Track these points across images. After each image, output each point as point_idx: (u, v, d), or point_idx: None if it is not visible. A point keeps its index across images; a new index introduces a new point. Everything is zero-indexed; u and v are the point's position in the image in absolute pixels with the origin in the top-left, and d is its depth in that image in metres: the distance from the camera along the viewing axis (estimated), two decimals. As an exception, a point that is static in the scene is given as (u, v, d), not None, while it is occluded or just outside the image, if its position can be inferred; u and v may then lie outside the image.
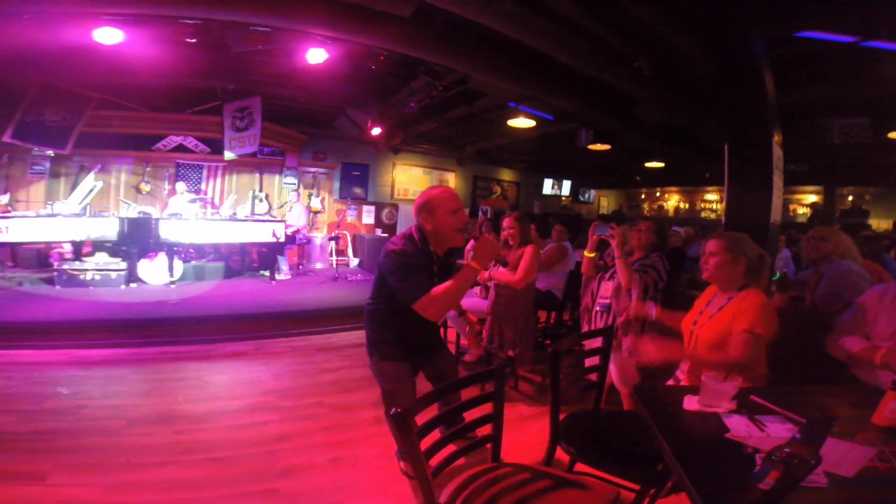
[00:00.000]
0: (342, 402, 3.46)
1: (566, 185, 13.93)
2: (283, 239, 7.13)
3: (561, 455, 1.88)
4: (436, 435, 1.53)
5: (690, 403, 1.50)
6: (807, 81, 4.80)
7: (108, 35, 4.42)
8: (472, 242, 3.59)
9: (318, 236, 9.06)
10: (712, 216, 13.00)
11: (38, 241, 6.27)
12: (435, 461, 1.50)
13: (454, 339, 4.20)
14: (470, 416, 1.65)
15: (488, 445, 1.66)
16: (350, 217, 10.04)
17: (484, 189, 12.45)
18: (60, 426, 2.89)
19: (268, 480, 2.43)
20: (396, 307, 2.09)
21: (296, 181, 9.25)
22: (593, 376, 2.17)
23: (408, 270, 2.02)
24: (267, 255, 7.31)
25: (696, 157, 8.64)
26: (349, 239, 9.56)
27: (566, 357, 2.07)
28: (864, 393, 1.70)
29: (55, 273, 5.88)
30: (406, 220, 10.04)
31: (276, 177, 9.25)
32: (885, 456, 1.20)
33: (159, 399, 3.38)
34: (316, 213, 9.40)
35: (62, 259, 6.21)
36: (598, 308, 3.00)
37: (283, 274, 7.26)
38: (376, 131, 8.17)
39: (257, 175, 9.00)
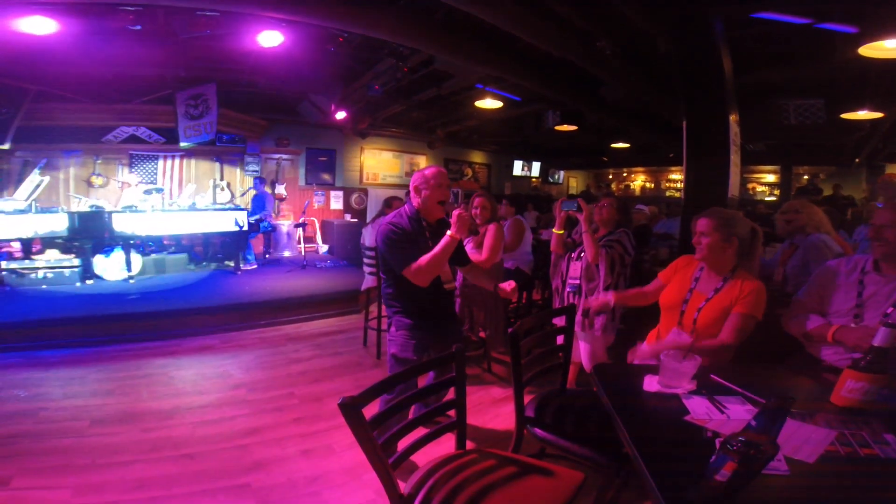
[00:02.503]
0: (313, 392, 3.44)
1: (536, 167, 13.99)
2: (246, 227, 6.95)
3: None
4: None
5: (650, 384, 1.49)
6: (764, 62, 4.90)
7: (38, 25, 4.04)
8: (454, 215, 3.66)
9: (285, 224, 8.86)
10: (676, 195, 13.33)
11: (-20, 240, 5.92)
12: (403, 445, 1.50)
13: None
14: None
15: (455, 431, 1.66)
16: (317, 203, 9.85)
17: (455, 172, 12.38)
18: (21, 429, 2.79)
19: (239, 475, 2.40)
20: (402, 280, 2.29)
21: (258, 168, 8.98)
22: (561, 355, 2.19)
23: (398, 242, 2.25)
24: (231, 245, 7.12)
25: (660, 137, 8.77)
26: (317, 225, 9.39)
27: (532, 337, 2.08)
28: (821, 371, 1.71)
29: (3, 273, 5.60)
30: (376, 205, 9.89)
31: (238, 164, 8.96)
32: (846, 439, 1.21)
33: (123, 397, 3.29)
34: (281, 199, 9.18)
35: (11, 258, 5.91)
36: (568, 289, 3.04)
37: (249, 263, 7.10)
38: (341, 115, 7.97)
39: (217, 163, 8.67)
